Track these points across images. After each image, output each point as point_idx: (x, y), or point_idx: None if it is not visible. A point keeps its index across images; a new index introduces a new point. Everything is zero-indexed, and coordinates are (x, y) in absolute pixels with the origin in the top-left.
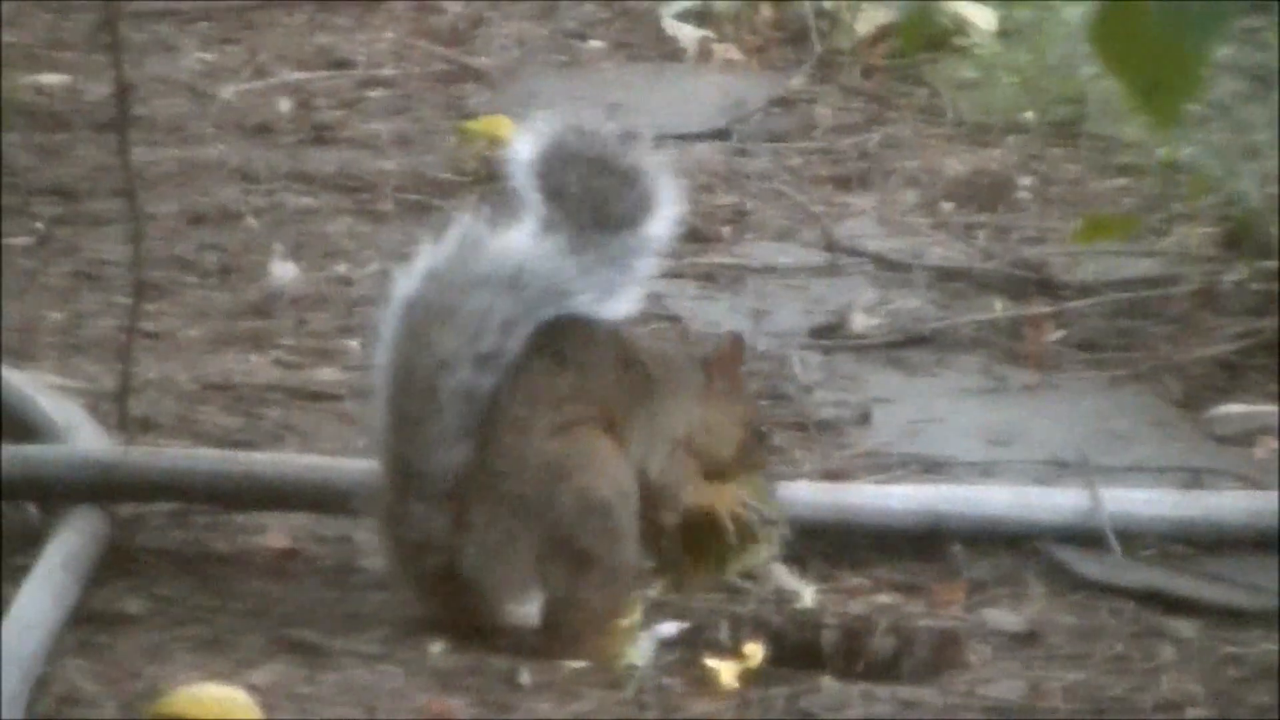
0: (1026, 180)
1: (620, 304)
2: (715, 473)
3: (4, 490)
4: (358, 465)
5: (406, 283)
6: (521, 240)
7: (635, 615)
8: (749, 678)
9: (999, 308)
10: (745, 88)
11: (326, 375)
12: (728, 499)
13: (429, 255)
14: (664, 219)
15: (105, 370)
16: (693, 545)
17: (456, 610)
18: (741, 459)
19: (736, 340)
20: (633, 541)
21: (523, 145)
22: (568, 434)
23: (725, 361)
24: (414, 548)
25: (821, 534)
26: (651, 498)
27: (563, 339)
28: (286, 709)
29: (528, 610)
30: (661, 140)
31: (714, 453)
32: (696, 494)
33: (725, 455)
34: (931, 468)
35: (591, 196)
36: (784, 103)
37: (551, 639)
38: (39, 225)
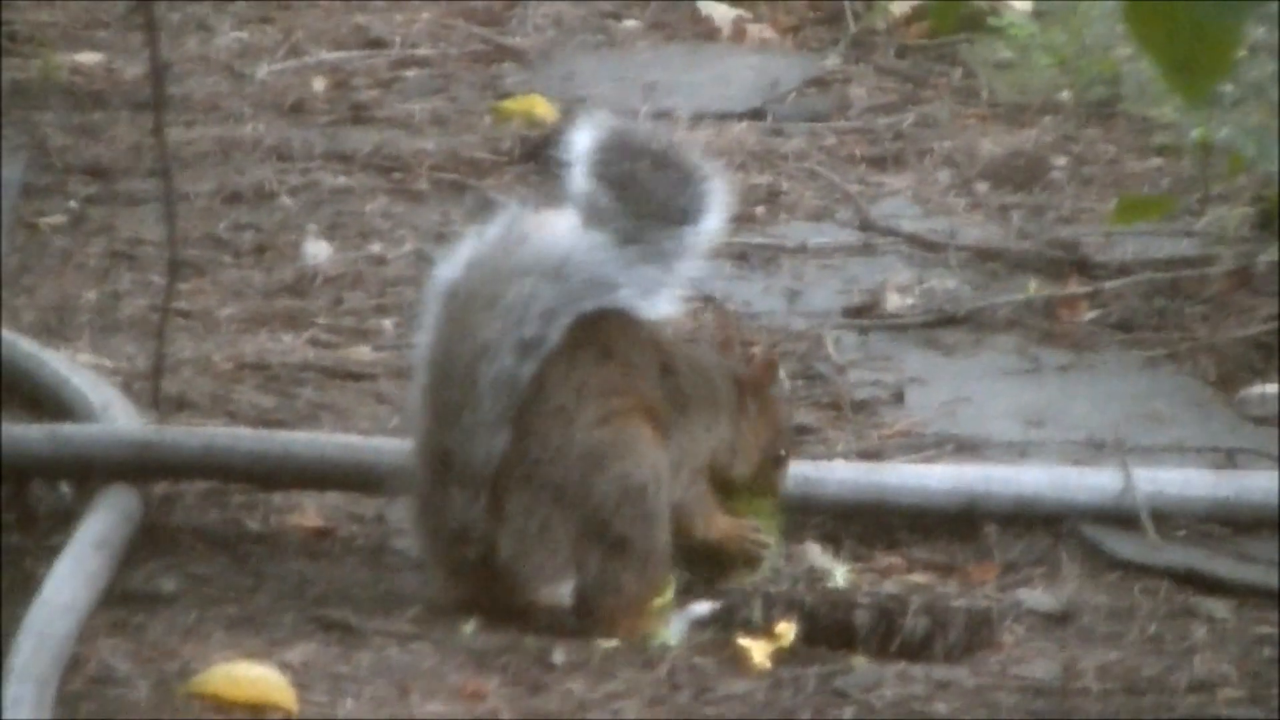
0: (1061, 160)
1: (661, 302)
2: (728, 489)
3: (37, 469)
4: (393, 445)
5: (448, 269)
6: (567, 231)
7: (668, 596)
8: (781, 657)
9: (1034, 288)
10: (780, 68)
11: (361, 354)
12: (737, 533)
13: (472, 243)
14: (716, 218)
15: (140, 349)
16: (692, 563)
17: (490, 595)
18: (758, 481)
19: (771, 361)
20: (666, 526)
21: (580, 136)
22: (611, 423)
23: (758, 381)
24: (451, 535)
25: (855, 514)
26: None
27: (607, 333)
28: (320, 688)
29: (560, 592)
30: (697, 120)
31: (732, 472)
32: (709, 525)
33: (742, 475)
34: (966, 448)
35: (651, 190)
36: (819, 82)
37: (585, 620)
38: (74, 204)
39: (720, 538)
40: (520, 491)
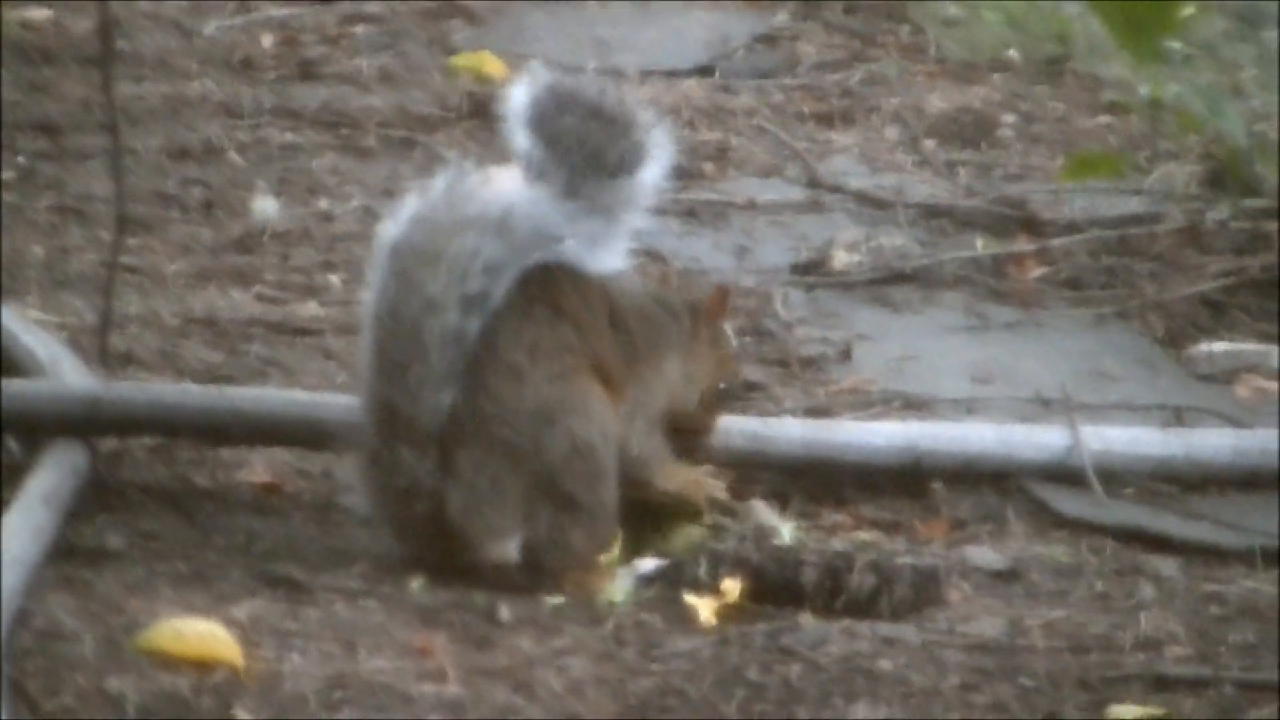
0: (1010, 118)
1: (607, 255)
2: (681, 417)
3: None
4: (340, 400)
5: (393, 227)
6: (510, 185)
7: (615, 553)
8: (728, 614)
9: (982, 245)
10: (729, 24)
11: (309, 310)
12: (694, 479)
13: (416, 199)
14: (655, 168)
15: (88, 305)
16: (642, 517)
17: (439, 552)
18: (709, 406)
19: (723, 290)
20: (614, 483)
21: (518, 91)
22: (562, 381)
23: (712, 310)
24: (399, 491)
25: (803, 471)
26: (626, 472)
27: (559, 290)
28: (267, 644)
29: (508, 548)
30: (646, 76)
31: (686, 401)
32: (667, 476)
33: (689, 406)
34: (914, 405)
35: (587, 143)
36: (768, 39)
37: (533, 576)
38: (22, 160)
39: (678, 488)
40: (470, 447)
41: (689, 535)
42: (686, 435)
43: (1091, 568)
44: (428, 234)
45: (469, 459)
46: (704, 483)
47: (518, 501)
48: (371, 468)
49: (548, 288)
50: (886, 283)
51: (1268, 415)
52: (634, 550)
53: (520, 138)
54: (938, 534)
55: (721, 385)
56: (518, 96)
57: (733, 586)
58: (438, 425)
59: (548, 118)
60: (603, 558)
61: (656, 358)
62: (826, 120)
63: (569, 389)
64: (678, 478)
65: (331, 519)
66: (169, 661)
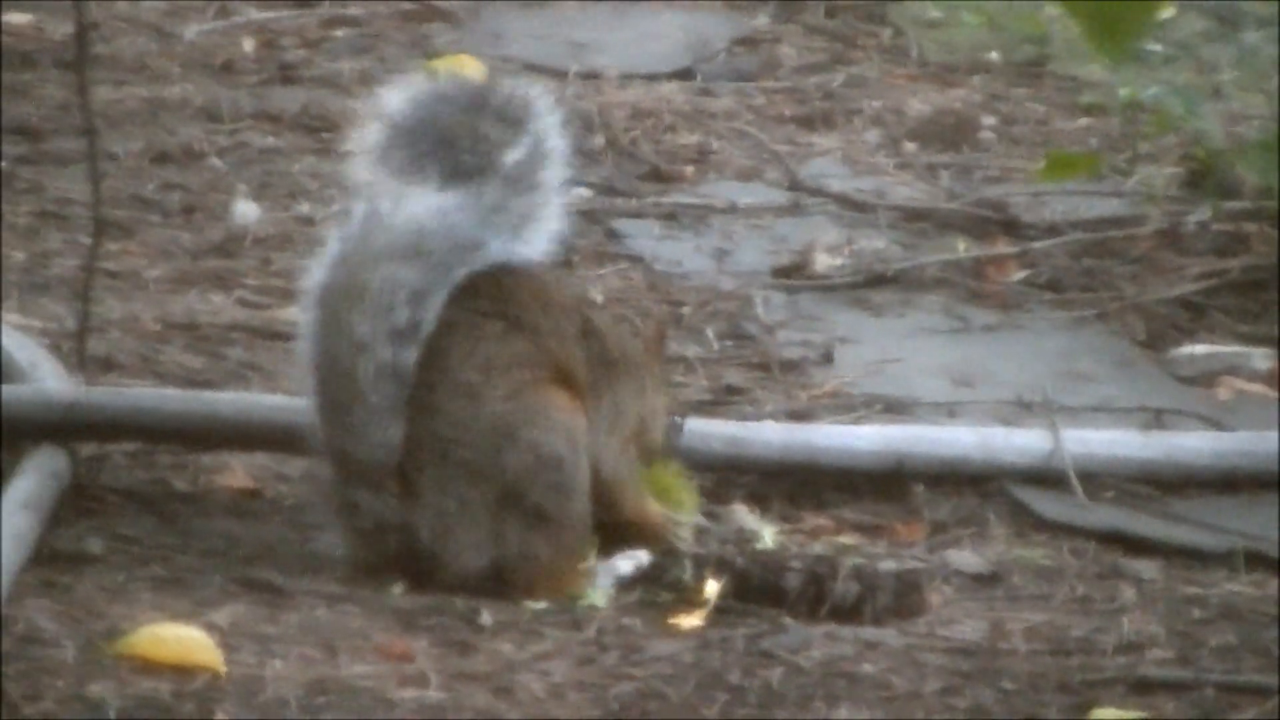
0: (990, 120)
1: (538, 237)
2: (645, 456)
3: None
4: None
5: (317, 270)
6: (418, 204)
7: (590, 559)
8: (710, 618)
9: (962, 248)
10: (709, 27)
11: (289, 315)
12: (660, 520)
13: (336, 239)
14: (535, 139)
15: (67, 309)
16: (608, 537)
17: (416, 577)
18: (665, 443)
19: (661, 326)
20: (584, 492)
21: (369, 133)
22: (519, 396)
23: (657, 346)
24: (367, 532)
25: (784, 474)
26: (598, 494)
27: (515, 301)
28: (247, 648)
29: (481, 565)
30: (626, 79)
31: (651, 438)
32: (638, 506)
33: (657, 440)
34: (894, 408)
35: (446, 154)
36: (748, 42)
37: (507, 587)
38: (2, 164)
39: (642, 522)
40: (433, 472)
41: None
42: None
43: (1072, 570)
44: (349, 272)
45: (432, 484)
46: (670, 526)
47: (486, 519)
48: (338, 510)
49: (498, 299)
50: (867, 286)
51: (1248, 417)
52: (609, 550)
53: (395, 169)
54: (919, 537)
55: (676, 418)
56: (370, 138)
57: (714, 590)
58: (392, 461)
59: (405, 142)
60: (576, 565)
61: (632, 372)
62: (807, 123)
63: (527, 401)
64: (646, 510)
65: (311, 523)
66: (149, 666)
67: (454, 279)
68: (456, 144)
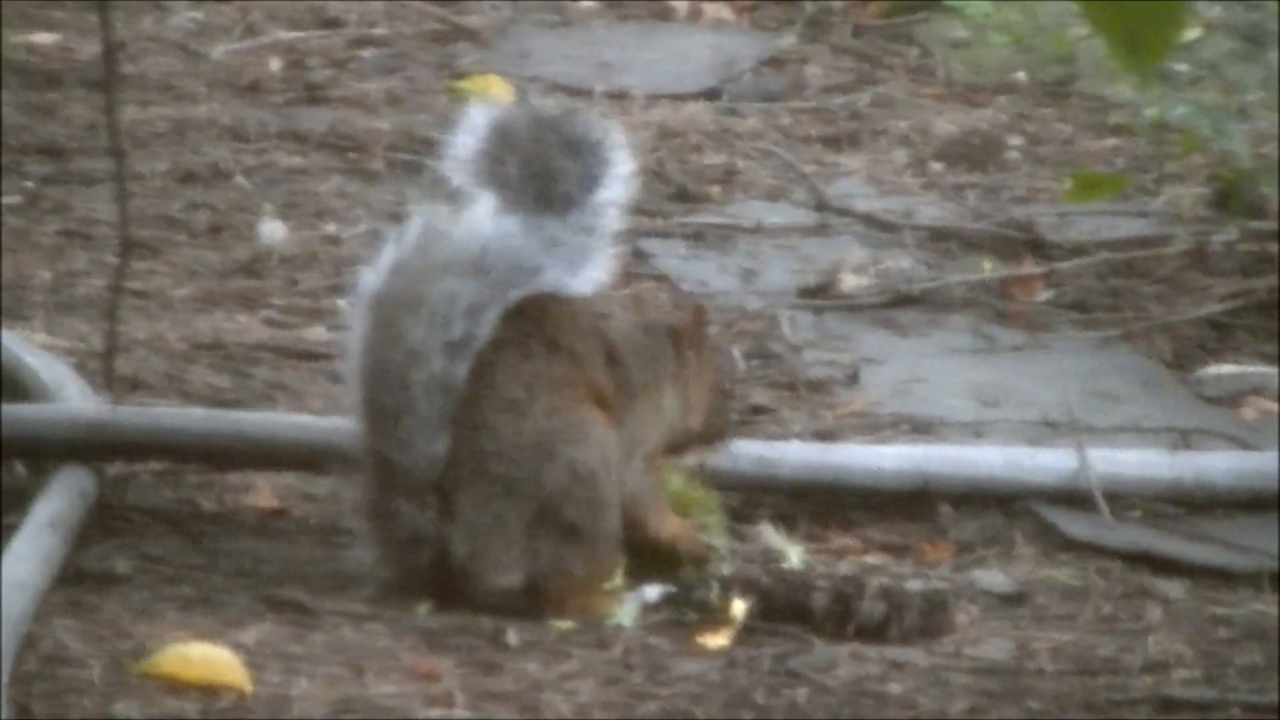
0: (1017, 140)
1: (592, 272)
2: (683, 443)
3: None
4: (347, 425)
5: (372, 277)
6: (483, 222)
7: (618, 578)
8: (737, 638)
9: (989, 268)
10: (736, 47)
11: (316, 334)
12: (687, 534)
13: (393, 248)
14: (614, 185)
15: (94, 329)
16: (638, 556)
17: (445, 592)
18: (710, 424)
19: (698, 310)
20: (616, 510)
21: (460, 142)
22: (561, 413)
23: (692, 332)
24: (402, 542)
25: (810, 494)
26: (622, 514)
27: (554, 324)
28: (274, 668)
29: (512, 581)
30: (653, 100)
31: (686, 426)
32: (661, 523)
33: (694, 427)
34: (921, 428)
35: (533, 182)
36: (774, 62)
37: (535, 605)
38: (29, 184)
39: (670, 538)
40: (471, 488)
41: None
42: (699, 447)
43: (1099, 590)
44: (406, 282)
45: (470, 499)
46: (696, 539)
47: (521, 536)
48: (372, 519)
49: (541, 321)
50: (893, 305)
51: (1274, 437)
52: (638, 573)
53: (472, 188)
54: (945, 557)
55: (727, 390)
56: (461, 148)
57: (741, 610)
58: (434, 473)
59: (493, 163)
60: (605, 583)
61: (653, 394)
62: (833, 143)
63: (568, 419)
64: (672, 526)
65: (337, 542)
66: (175, 686)
67: (509, 299)
68: (546, 173)
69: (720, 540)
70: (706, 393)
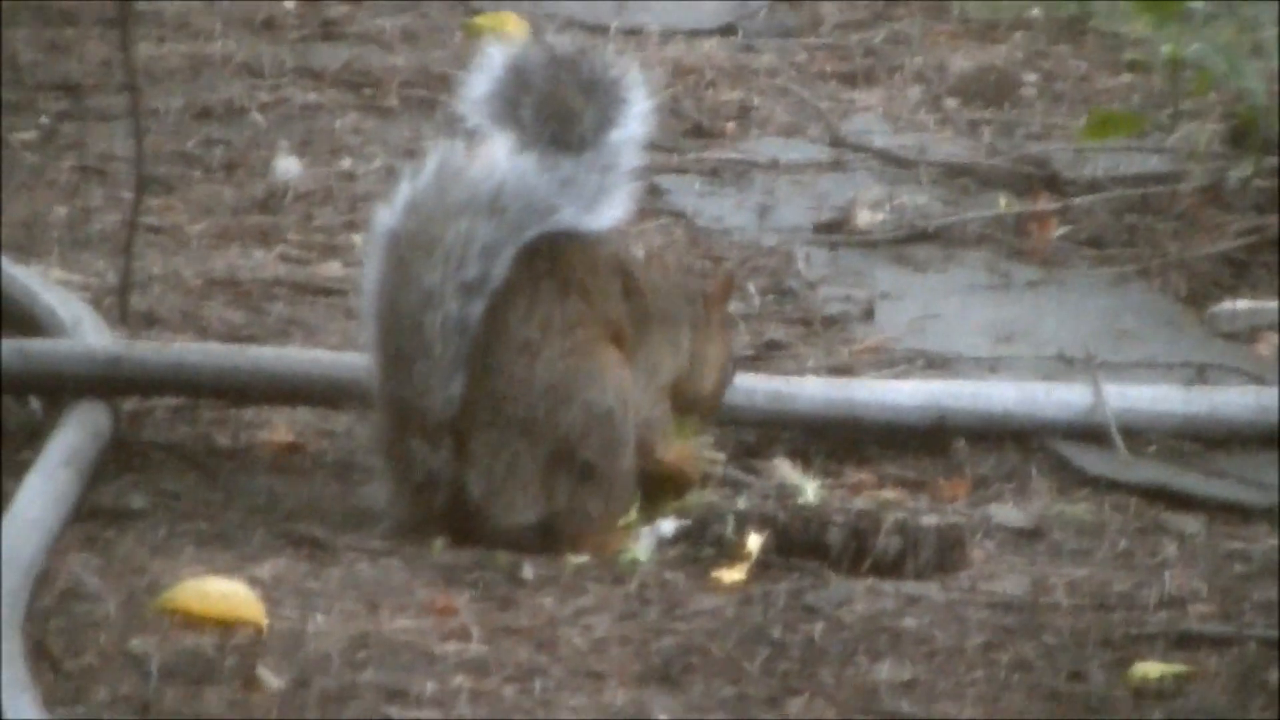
0: (1032, 77)
1: (608, 211)
2: (688, 400)
3: (6, 384)
4: (363, 361)
5: (387, 216)
6: (499, 161)
7: (633, 514)
8: (752, 573)
9: (1004, 204)
10: None
11: (331, 270)
12: (691, 454)
13: (407, 187)
14: (630, 124)
15: (110, 265)
16: (644, 486)
17: (460, 533)
18: (710, 395)
19: (729, 278)
20: (631, 448)
21: (476, 81)
22: (576, 354)
23: (720, 297)
24: (417, 484)
25: (826, 429)
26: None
27: (567, 263)
28: (290, 603)
29: (528, 520)
30: (668, 36)
31: (696, 385)
32: (667, 447)
33: (705, 388)
34: (936, 363)
35: (549, 122)
36: None
37: (553, 542)
38: (44, 120)
39: (676, 459)
40: (486, 430)
41: (703, 497)
42: (690, 413)
43: (1114, 526)
44: (420, 223)
45: (486, 442)
46: (701, 457)
47: (537, 477)
48: (387, 460)
49: (555, 261)
50: (909, 242)
51: None
52: (653, 510)
53: (488, 128)
54: (961, 493)
55: (732, 368)
56: (476, 87)
57: (756, 545)
58: (449, 414)
59: (507, 104)
60: (621, 520)
61: (670, 328)
62: (849, 80)
63: (584, 361)
64: (676, 449)
65: (353, 478)
66: (192, 621)
67: (524, 239)
68: (562, 113)
69: (719, 458)
70: (718, 362)
